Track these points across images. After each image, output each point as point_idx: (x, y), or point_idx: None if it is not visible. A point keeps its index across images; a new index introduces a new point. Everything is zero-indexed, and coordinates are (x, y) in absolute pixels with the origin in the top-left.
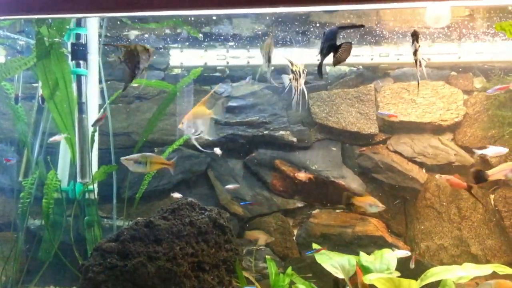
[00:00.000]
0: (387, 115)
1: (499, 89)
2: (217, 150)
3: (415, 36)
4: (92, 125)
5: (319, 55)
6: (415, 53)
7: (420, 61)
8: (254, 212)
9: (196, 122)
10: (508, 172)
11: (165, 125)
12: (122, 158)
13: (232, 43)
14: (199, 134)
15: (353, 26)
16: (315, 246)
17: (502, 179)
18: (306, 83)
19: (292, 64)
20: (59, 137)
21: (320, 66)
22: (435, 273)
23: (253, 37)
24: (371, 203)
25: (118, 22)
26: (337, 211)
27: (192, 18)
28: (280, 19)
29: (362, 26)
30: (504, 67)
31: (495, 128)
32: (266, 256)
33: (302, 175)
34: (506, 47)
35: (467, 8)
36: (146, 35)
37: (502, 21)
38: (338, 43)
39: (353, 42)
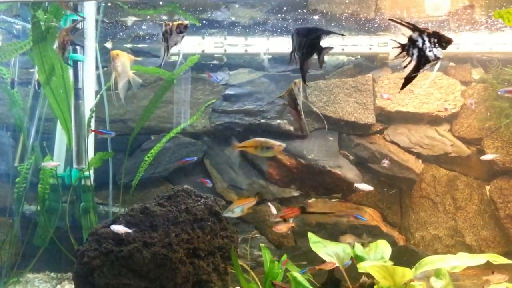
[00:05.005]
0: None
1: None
2: (365, 186)
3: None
4: None
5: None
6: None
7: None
8: None
9: (124, 69)
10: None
11: (161, 113)
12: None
13: (229, 31)
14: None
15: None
16: (310, 235)
17: None
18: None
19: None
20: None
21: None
22: (429, 262)
23: (251, 25)
24: None
25: (113, 9)
26: (333, 200)
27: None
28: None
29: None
30: (503, 58)
31: (492, 119)
32: (261, 244)
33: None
34: (505, 38)
35: None
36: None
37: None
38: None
39: (351, 32)
